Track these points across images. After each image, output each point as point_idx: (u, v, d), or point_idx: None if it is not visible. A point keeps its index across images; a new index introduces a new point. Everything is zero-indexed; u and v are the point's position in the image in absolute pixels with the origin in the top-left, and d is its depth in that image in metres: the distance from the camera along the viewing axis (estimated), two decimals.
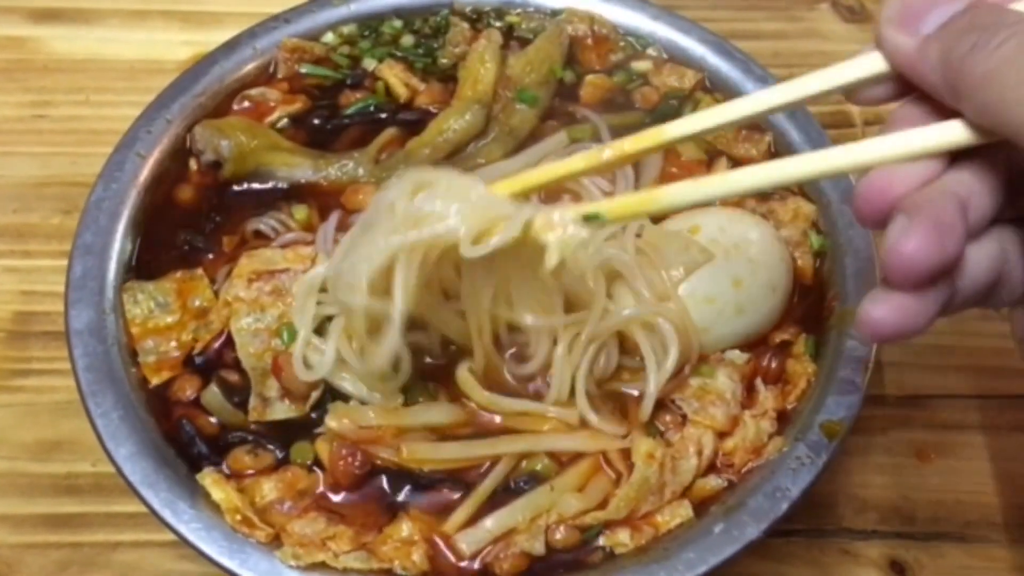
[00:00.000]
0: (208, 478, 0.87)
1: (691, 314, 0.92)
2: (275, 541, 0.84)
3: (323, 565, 0.82)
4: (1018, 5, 0.61)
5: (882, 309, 0.60)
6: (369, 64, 1.17)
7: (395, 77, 1.15)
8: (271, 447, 0.91)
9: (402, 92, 1.15)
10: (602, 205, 0.76)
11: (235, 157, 1.05)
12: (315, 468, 0.90)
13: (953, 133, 0.61)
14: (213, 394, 0.92)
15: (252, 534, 0.84)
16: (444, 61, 1.18)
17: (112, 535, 0.99)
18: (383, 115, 1.13)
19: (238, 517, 0.84)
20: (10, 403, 1.06)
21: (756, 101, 0.71)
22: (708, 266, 0.94)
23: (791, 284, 0.99)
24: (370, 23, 1.20)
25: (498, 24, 1.21)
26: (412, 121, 1.12)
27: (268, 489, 0.87)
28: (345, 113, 1.13)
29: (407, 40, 1.20)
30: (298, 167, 1.07)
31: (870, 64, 0.67)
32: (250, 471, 0.89)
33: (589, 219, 0.75)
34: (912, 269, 0.57)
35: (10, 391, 1.07)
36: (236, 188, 1.07)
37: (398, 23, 1.21)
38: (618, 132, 1.09)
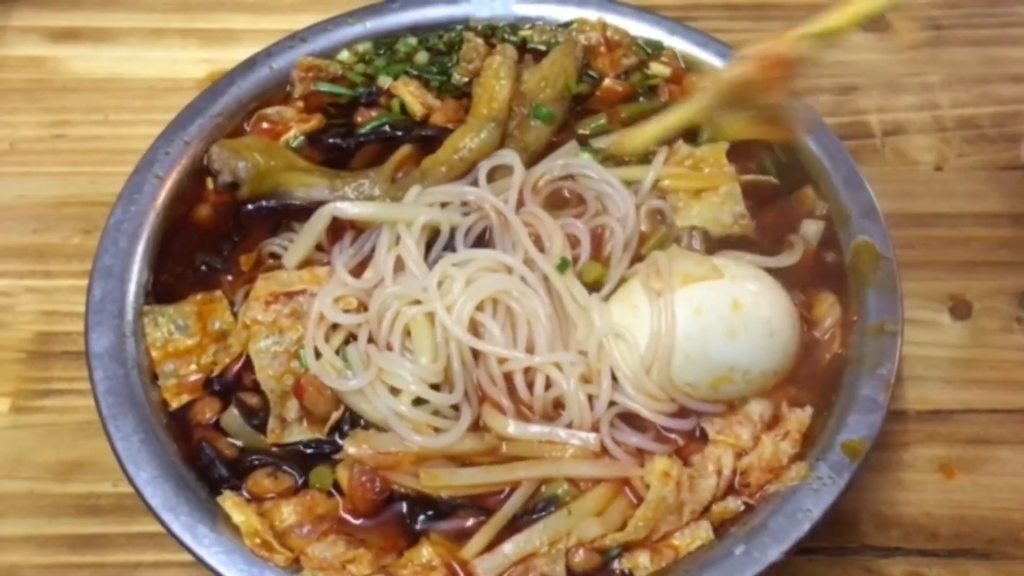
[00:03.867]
0: (228, 501, 0.87)
1: (679, 323, 0.92)
2: (294, 565, 0.84)
3: None
4: None
5: None
6: (384, 82, 1.18)
7: (410, 95, 1.15)
8: (291, 471, 0.91)
9: (417, 109, 1.15)
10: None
11: (252, 178, 1.05)
12: (334, 493, 0.90)
13: None
14: (232, 416, 0.93)
15: (271, 558, 0.84)
16: (458, 77, 1.18)
17: (133, 555, 1.00)
18: (398, 133, 1.13)
19: (257, 540, 0.85)
20: (32, 424, 1.07)
21: None
22: (712, 281, 0.94)
23: (793, 346, 0.96)
24: (385, 41, 1.21)
25: (512, 39, 1.21)
26: (428, 138, 1.12)
27: (288, 513, 0.87)
28: (360, 132, 1.14)
29: (421, 57, 1.20)
30: (315, 187, 1.07)
31: None
32: (270, 494, 0.89)
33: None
34: None
35: (32, 412, 1.08)
36: (252, 207, 1.07)
37: (413, 40, 1.21)
38: (632, 120, 1.14)
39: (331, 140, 1.13)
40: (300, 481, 0.91)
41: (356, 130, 1.14)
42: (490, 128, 1.08)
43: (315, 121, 1.14)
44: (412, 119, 1.15)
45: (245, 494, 0.90)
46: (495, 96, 1.12)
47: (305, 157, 1.11)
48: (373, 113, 1.15)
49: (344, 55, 1.19)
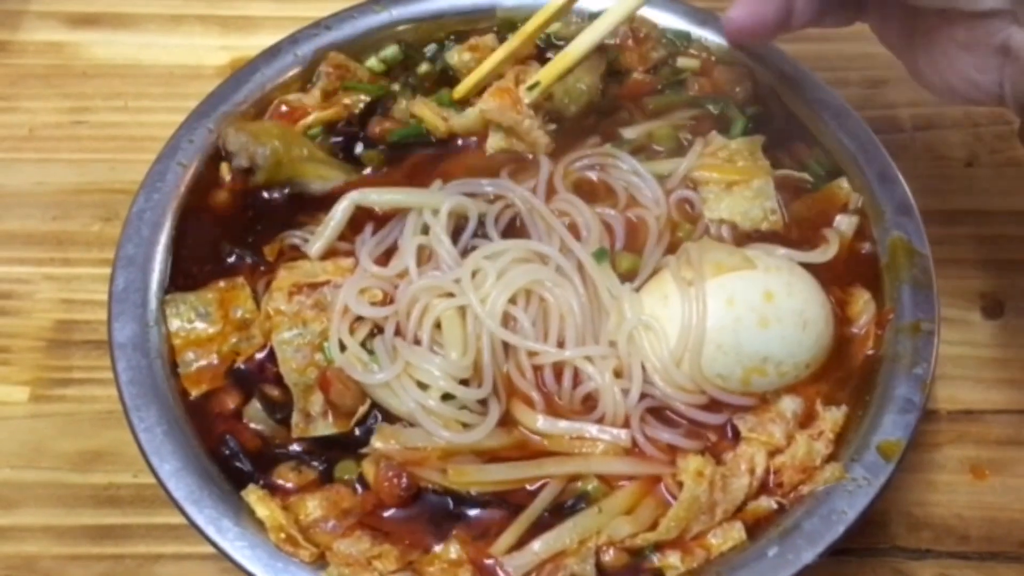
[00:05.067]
0: (253, 495, 0.86)
1: (709, 315, 0.90)
2: (320, 560, 0.83)
3: None
4: None
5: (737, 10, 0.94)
6: (404, 94, 1.14)
7: (430, 112, 1.11)
8: (315, 464, 0.90)
9: (440, 125, 1.10)
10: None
11: (270, 166, 1.03)
12: (359, 487, 0.89)
13: None
14: (256, 410, 0.92)
15: (296, 553, 0.83)
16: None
17: (154, 547, 0.98)
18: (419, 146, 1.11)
19: (282, 535, 0.83)
20: (52, 413, 1.06)
21: None
22: (744, 271, 0.92)
23: (826, 338, 0.95)
24: (410, 52, 1.18)
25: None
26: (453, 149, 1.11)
27: (313, 507, 0.86)
28: (389, 140, 1.10)
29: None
30: (332, 180, 1.05)
31: None
32: (294, 488, 0.88)
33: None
34: None
35: (51, 401, 1.07)
36: (267, 195, 1.05)
37: (429, 65, 1.18)
38: (660, 112, 1.14)
39: (343, 138, 1.10)
40: (325, 475, 0.89)
41: (373, 135, 1.10)
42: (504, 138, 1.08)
43: (334, 110, 1.12)
44: (435, 134, 1.11)
45: (269, 488, 0.88)
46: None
47: (322, 147, 1.09)
48: (387, 124, 1.11)
49: (372, 62, 1.17)
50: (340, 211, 1.00)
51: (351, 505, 0.87)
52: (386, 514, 0.87)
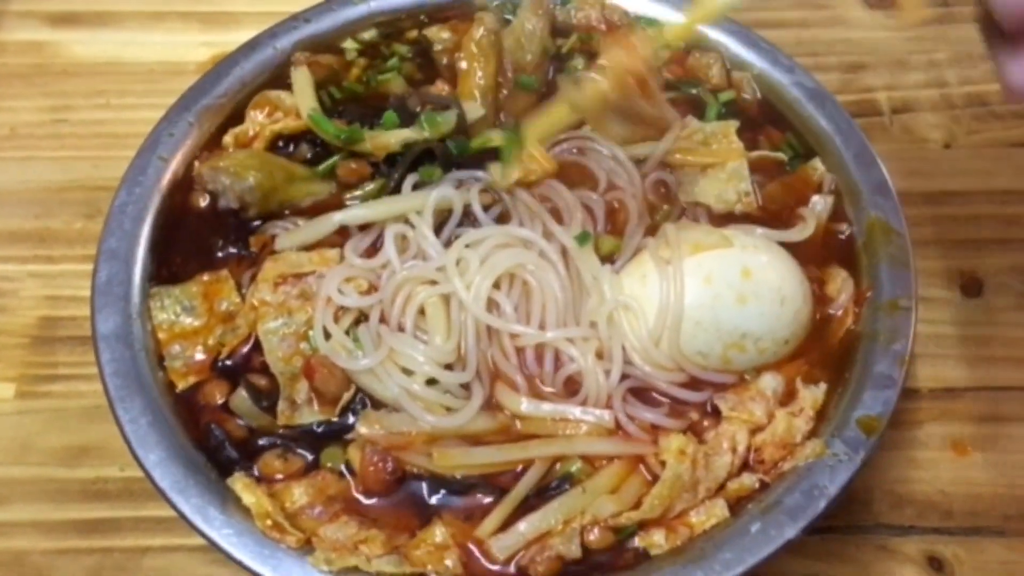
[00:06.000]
0: (239, 483, 0.86)
1: (687, 293, 0.91)
2: (306, 546, 0.84)
3: (355, 570, 0.82)
4: None
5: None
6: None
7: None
8: (301, 451, 0.90)
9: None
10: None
11: (258, 200, 1.01)
12: (345, 474, 0.89)
13: None
14: (242, 399, 0.92)
15: (283, 539, 0.83)
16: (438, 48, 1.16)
17: (142, 540, 0.99)
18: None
19: (269, 522, 0.84)
20: (38, 409, 1.06)
21: None
22: (722, 250, 0.93)
23: (804, 315, 0.96)
24: (388, 31, 1.18)
25: (510, 16, 1.18)
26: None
27: (299, 494, 0.86)
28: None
29: (401, 48, 1.18)
30: (320, 194, 1.04)
31: None
32: (280, 476, 0.89)
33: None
34: None
35: (37, 397, 1.07)
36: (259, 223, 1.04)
37: (404, 48, 1.18)
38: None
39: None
40: (311, 461, 0.90)
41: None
42: (481, 105, 1.07)
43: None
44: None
45: (256, 475, 0.88)
46: (480, 71, 1.09)
47: (294, 159, 1.06)
48: (353, 166, 1.05)
49: (348, 43, 1.17)
50: (322, 228, 0.99)
51: (337, 491, 0.87)
52: (372, 500, 0.88)
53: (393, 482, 0.87)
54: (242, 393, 0.92)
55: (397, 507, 0.87)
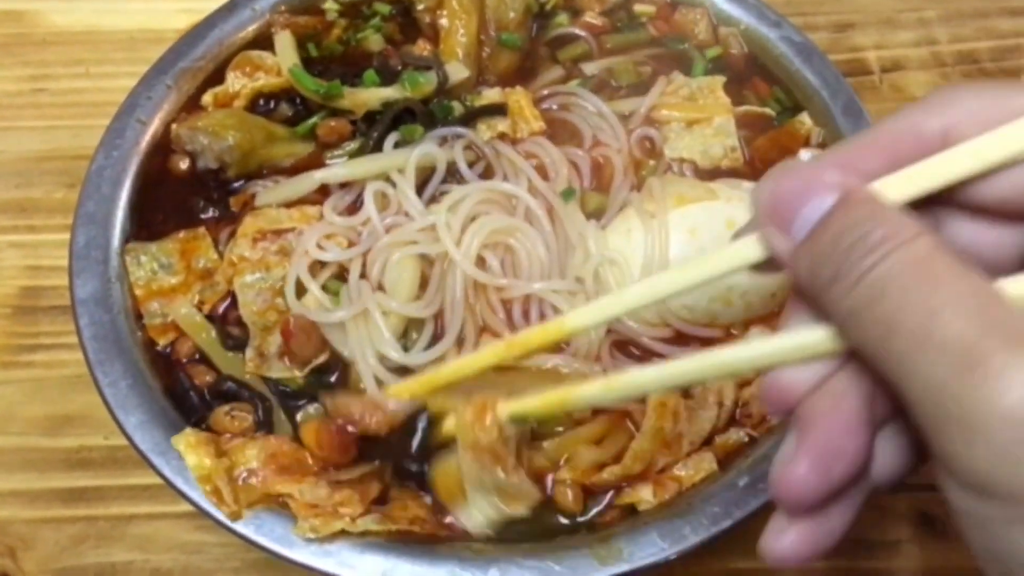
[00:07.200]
0: (183, 441, 0.83)
1: (672, 246, 0.90)
2: (236, 518, 0.81)
3: (342, 533, 0.80)
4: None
5: (786, 541, 0.51)
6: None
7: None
8: (258, 411, 0.89)
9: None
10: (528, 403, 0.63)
11: (237, 160, 0.99)
12: (302, 441, 0.87)
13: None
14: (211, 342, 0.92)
15: (219, 506, 0.80)
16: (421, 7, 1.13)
17: (127, 508, 0.98)
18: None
19: (208, 487, 0.81)
20: (20, 379, 1.05)
21: (652, 286, 0.57)
22: (707, 202, 0.92)
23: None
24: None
25: None
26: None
27: (251, 455, 0.83)
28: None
29: (383, 8, 1.15)
30: (300, 154, 1.03)
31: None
32: (232, 435, 0.86)
33: (516, 419, 0.66)
34: (800, 499, 0.49)
35: (19, 367, 1.06)
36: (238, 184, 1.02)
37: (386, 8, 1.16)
38: (617, 51, 1.11)
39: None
40: (262, 420, 0.88)
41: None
42: (463, 64, 1.05)
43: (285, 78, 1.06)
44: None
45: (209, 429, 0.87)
46: (463, 28, 1.07)
47: (273, 117, 1.05)
48: (333, 124, 1.03)
49: (329, 3, 1.15)
50: (302, 186, 0.97)
51: (291, 461, 0.84)
52: (331, 468, 0.85)
53: (354, 450, 0.85)
54: (212, 334, 0.92)
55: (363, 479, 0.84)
